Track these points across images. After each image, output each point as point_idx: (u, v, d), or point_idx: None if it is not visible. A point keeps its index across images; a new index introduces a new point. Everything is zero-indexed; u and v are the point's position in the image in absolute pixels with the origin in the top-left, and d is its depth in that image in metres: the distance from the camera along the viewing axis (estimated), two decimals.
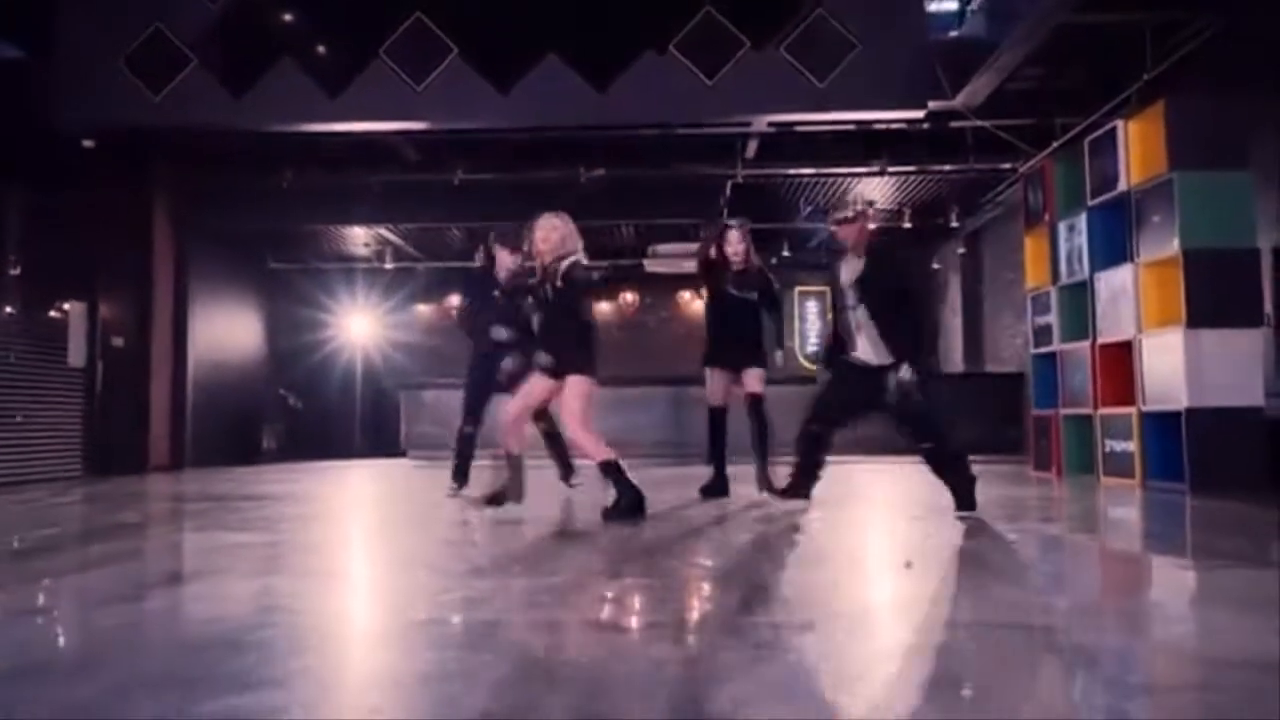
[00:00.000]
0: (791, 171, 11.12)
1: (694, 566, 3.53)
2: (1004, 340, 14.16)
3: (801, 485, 5.09)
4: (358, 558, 4.28)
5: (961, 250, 14.49)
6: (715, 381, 5.95)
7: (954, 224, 12.89)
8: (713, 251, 6.00)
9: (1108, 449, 7.36)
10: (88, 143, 9.73)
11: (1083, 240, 7.80)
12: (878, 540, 4.48)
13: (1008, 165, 10.68)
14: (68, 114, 8.99)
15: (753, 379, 5.87)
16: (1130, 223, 7.09)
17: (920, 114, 8.85)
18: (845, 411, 5.00)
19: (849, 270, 4.91)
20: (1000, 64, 8.24)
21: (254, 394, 13.54)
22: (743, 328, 5.89)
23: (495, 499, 5.21)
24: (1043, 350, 8.53)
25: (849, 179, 11.67)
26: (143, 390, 10.74)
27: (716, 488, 5.97)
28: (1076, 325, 7.93)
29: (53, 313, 9.80)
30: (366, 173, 10.99)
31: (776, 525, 4.67)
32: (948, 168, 10.81)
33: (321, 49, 8.85)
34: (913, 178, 11.69)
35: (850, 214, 4.87)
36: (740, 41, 8.65)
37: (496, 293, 6.32)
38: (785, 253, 14.55)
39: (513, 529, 4.70)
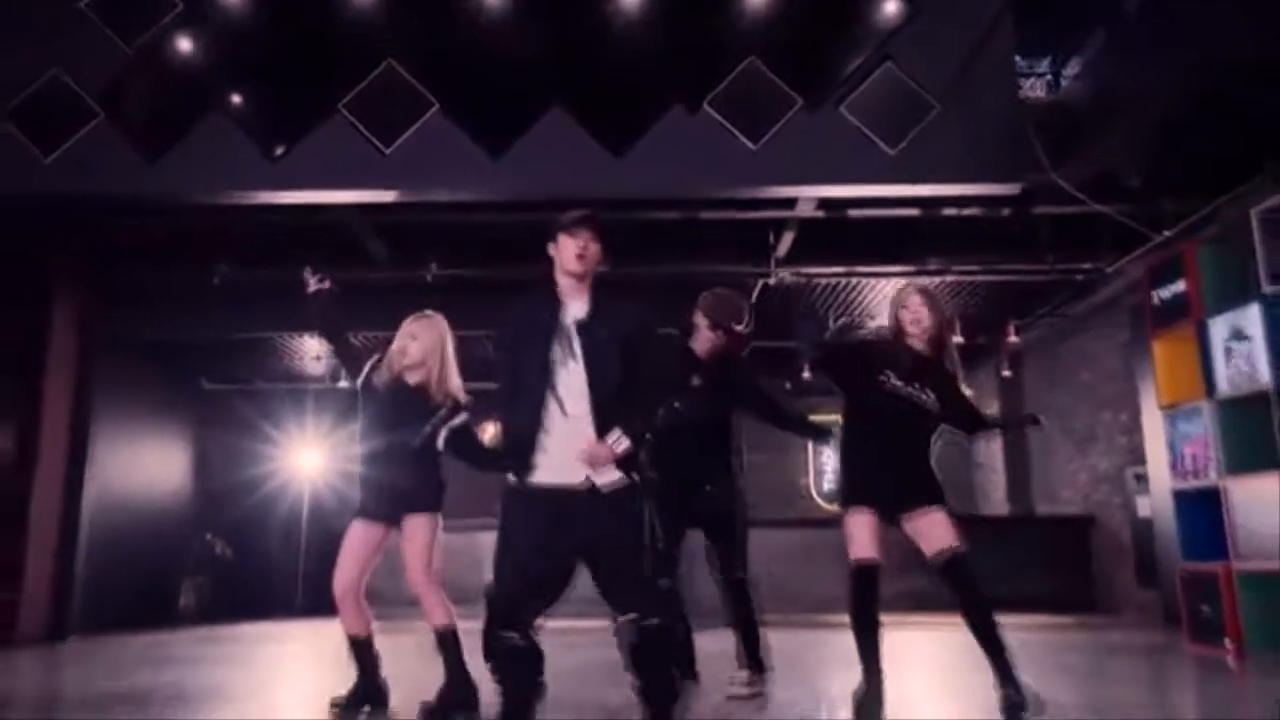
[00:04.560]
0: (835, 270, 9.30)
1: None
2: (1063, 477, 12.16)
3: None
4: None
5: (1007, 373, 12.64)
6: (863, 528, 3.69)
7: (1012, 338, 11.04)
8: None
9: None
10: None
11: (1256, 341, 5.94)
12: None
13: (1087, 265, 9.00)
14: None
15: (937, 526, 3.64)
16: None
17: (1014, 189, 7.11)
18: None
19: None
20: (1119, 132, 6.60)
21: (173, 540, 11.08)
22: (911, 445, 3.75)
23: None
24: (1192, 485, 6.54)
25: (896, 280, 9.87)
26: (16, 539, 8.36)
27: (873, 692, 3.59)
28: (1250, 451, 5.99)
29: None
30: (327, 270, 8.99)
31: None
32: (1021, 267, 9.02)
33: (263, 103, 7.01)
34: (966, 284, 9.94)
35: None
36: (790, 99, 6.95)
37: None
38: (805, 375, 12.58)
39: None
